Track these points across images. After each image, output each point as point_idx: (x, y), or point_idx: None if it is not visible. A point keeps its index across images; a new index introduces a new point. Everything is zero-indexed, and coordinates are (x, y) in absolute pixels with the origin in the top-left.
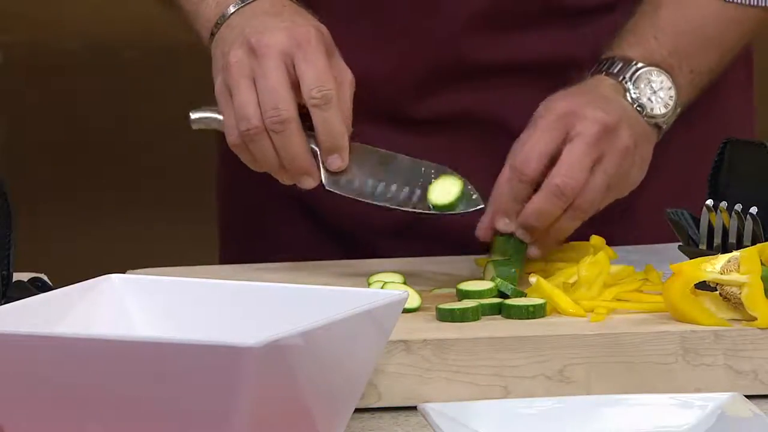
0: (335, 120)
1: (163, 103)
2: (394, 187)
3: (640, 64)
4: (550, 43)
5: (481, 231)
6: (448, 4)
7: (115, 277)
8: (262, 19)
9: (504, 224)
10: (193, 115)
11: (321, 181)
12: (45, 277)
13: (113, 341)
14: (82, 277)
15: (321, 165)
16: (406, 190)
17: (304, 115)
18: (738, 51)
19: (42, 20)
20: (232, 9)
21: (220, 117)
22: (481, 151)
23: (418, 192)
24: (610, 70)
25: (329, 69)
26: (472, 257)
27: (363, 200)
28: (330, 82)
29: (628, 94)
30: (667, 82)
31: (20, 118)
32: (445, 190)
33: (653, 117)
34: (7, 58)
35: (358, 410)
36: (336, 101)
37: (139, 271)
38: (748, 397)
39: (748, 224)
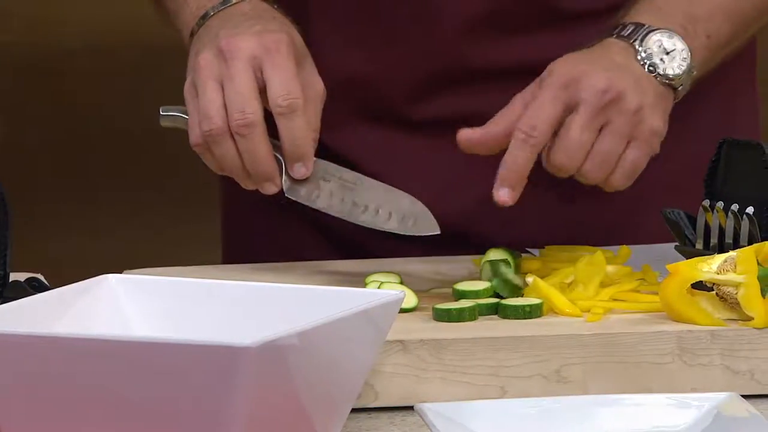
0: (301, 128)
1: (161, 103)
2: (354, 204)
3: (652, 27)
4: (550, 47)
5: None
6: (449, 8)
7: (111, 278)
8: (237, 22)
9: (504, 194)
10: (163, 112)
11: (282, 188)
12: (42, 278)
13: (110, 341)
14: (78, 277)
15: (284, 172)
16: (369, 208)
17: (270, 120)
18: (753, 28)
19: (40, 19)
20: (211, 12)
21: (187, 116)
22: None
23: (381, 212)
24: (621, 33)
25: (296, 77)
26: (469, 257)
27: (321, 211)
28: (296, 90)
29: (638, 55)
30: (680, 44)
31: (17, 118)
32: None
33: (667, 77)
34: (4, 58)
35: (354, 410)
36: (302, 110)
37: (135, 271)
38: (744, 397)
39: (745, 224)
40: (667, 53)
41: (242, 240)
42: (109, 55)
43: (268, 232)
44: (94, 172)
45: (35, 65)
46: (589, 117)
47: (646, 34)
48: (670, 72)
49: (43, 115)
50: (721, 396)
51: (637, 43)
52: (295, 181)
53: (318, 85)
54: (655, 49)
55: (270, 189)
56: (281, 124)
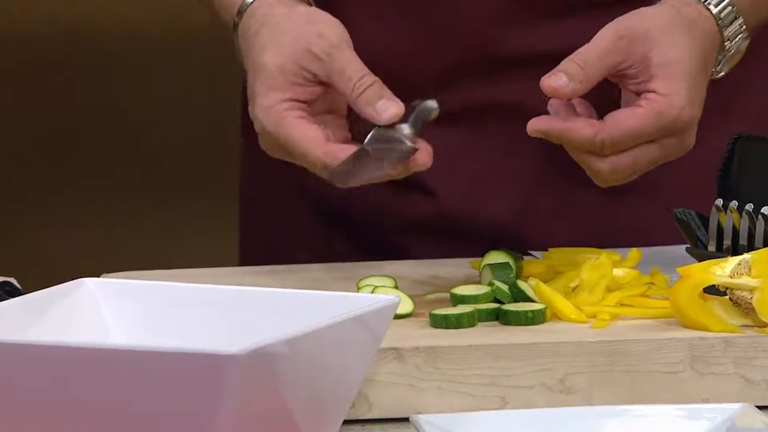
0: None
1: (143, 99)
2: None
3: None
4: (578, 34)
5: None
6: None
7: (89, 281)
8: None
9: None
10: None
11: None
12: (14, 281)
13: (88, 349)
14: (54, 281)
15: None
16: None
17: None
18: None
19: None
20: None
21: None
22: (507, 143)
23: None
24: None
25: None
26: (467, 260)
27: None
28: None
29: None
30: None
31: None
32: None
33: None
34: None
35: (347, 422)
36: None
37: (114, 274)
38: (759, 407)
39: (760, 225)
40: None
41: (261, 239)
42: (84, 46)
43: (289, 230)
44: (69, 171)
45: (6, 59)
46: (655, 152)
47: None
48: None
49: (14, 113)
50: (735, 407)
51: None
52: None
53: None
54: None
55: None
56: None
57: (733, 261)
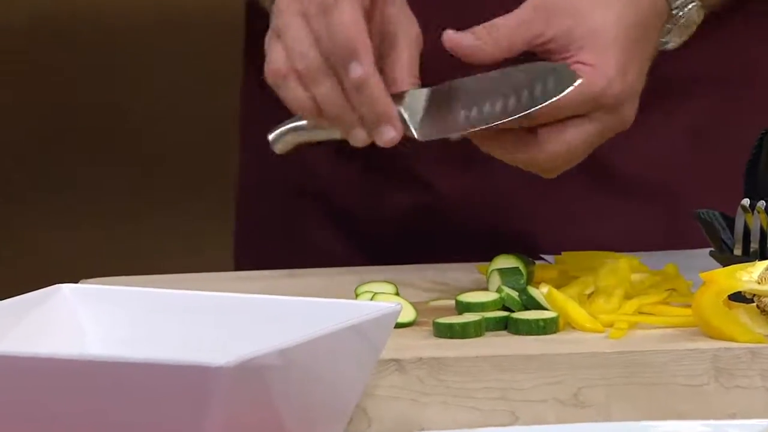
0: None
1: (143, 99)
2: (488, 105)
3: None
4: None
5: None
6: None
7: (65, 287)
8: None
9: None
10: (273, 136)
11: (411, 135)
12: None
13: (64, 360)
14: (54, 281)
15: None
16: (510, 94)
17: None
18: None
19: None
20: None
21: (303, 122)
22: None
23: (524, 94)
24: None
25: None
26: (473, 264)
27: (463, 133)
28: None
29: None
30: None
31: None
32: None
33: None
34: None
35: None
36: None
37: (93, 280)
38: None
39: None
40: None
41: (257, 241)
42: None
43: (286, 232)
44: (44, 171)
45: None
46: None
47: None
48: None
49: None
50: (764, 423)
51: None
52: (419, 123)
53: (412, 29)
54: None
55: (388, 134)
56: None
57: (760, 266)
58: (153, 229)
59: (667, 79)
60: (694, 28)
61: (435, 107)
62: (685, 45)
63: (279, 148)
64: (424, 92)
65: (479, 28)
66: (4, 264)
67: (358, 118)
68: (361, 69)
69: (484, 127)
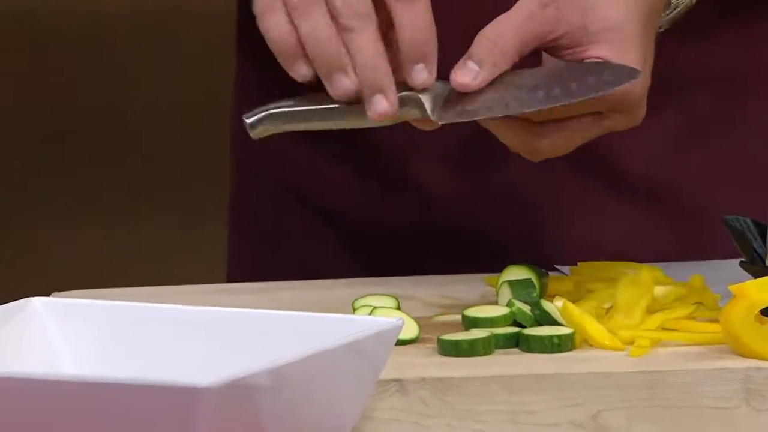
0: (426, 13)
1: (143, 99)
2: (518, 88)
3: None
4: None
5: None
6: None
7: (36, 301)
8: None
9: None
10: (248, 119)
11: (428, 118)
12: None
13: (34, 380)
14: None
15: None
16: (539, 86)
17: None
18: None
19: None
20: None
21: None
22: None
23: (556, 90)
24: None
25: None
26: (480, 276)
27: (483, 117)
28: None
29: None
30: None
31: None
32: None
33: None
34: None
35: None
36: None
37: (66, 293)
38: None
39: None
40: None
41: (249, 250)
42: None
43: (279, 241)
44: (71, 171)
45: None
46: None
47: None
48: None
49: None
50: None
51: None
52: (443, 104)
53: None
54: None
55: (380, 105)
56: (397, 8)
57: None
58: (153, 229)
59: (668, 78)
60: (685, 11)
61: (455, 93)
62: (687, 45)
63: (255, 133)
64: (443, 82)
65: (481, 48)
66: (4, 264)
67: (348, 63)
68: (363, 6)
69: (503, 114)
